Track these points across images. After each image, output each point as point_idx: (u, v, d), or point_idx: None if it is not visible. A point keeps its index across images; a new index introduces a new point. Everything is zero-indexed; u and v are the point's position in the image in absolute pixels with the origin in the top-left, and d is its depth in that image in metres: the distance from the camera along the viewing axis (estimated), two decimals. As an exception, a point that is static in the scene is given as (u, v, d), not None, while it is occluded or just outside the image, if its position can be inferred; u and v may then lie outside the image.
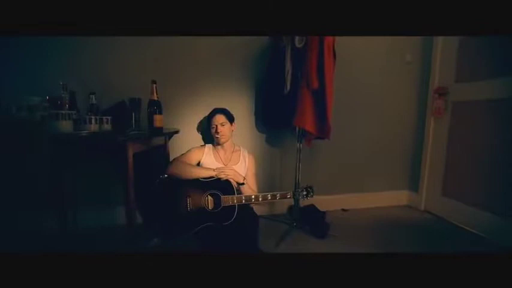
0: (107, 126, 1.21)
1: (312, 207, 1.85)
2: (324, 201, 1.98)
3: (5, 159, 0.81)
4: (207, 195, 1.39)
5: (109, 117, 1.23)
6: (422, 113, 2.11)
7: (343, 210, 2.10)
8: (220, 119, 1.53)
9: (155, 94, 1.46)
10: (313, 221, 1.72)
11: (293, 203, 1.82)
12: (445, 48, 1.91)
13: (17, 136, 0.79)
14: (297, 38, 1.48)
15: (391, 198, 2.22)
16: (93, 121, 1.12)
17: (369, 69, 2.04)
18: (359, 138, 2.10)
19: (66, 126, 0.98)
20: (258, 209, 1.91)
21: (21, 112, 0.96)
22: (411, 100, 2.14)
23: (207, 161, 1.53)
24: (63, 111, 1.03)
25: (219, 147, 1.58)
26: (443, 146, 1.93)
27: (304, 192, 1.49)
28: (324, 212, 1.80)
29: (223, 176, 1.41)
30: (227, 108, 1.58)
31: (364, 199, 2.16)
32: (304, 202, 1.82)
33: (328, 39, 1.42)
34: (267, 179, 1.94)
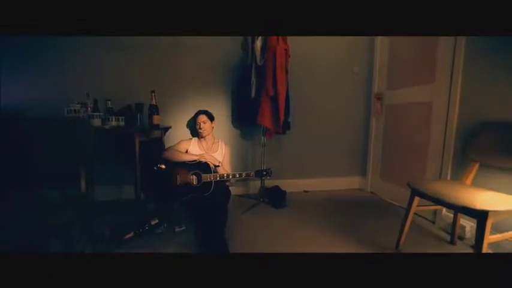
0: (121, 123, 1.73)
1: (275, 187, 2.35)
2: (289, 184, 2.49)
3: (55, 145, 1.29)
4: (191, 174, 1.90)
5: (123, 117, 1.75)
6: (367, 113, 2.62)
7: (305, 191, 2.61)
8: (202, 118, 2.05)
9: (154, 100, 1.98)
10: (274, 196, 2.23)
11: (260, 185, 2.34)
12: (380, 61, 2.42)
13: (67, 129, 1.28)
14: (258, 58, 2.00)
15: (345, 183, 2.72)
16: (113, 119, 1.65)
17: (324, 78, 2.54)
18: (318, 134, 2.60)
19: (97, 122, 1.51)
20: (236, 189, 2.44)
21: (69, 113, 1.49)
22: (358, 103, 2.64)
23: (193, 150, 2.05)
24: (96, 113, 1.55)
25: (202, 139, 2.10)
26: (381, 140, 2.44)
27: (264, 173, 2.01)
28: (284, 191, 2.30)
29: (203, 160, 1.93)
30: (208, 110, 2.10)
31: (323, 183, 2.67)
32: (269, 183, 2.35)
33: (281, 60, 1.94)
34: (241, 165, 2.46)
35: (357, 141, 2.70)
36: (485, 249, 1.03)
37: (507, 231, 1.19)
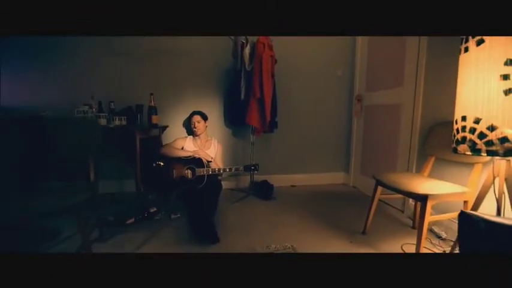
0: (124, 122, 1.95)
1: (264, 182, 2.57)
2: (277, 179, 2.70)
3: (66, 141, 1.50)
4: (186, 168, 2.11)
5: (125, 117, 1.97)
6: (350, 114, 2.84)
7: (292, 186, 2.83)
8: (196, 118, 2.26)
9: (152, 102, 2.19)
10: (263, 189, 2.45)
11: (250, 179, 2.55)
12: (361, 64, 2.63)
13: (77, 127, 1.49)
14: (247, 64, 2.21)
15: (330, 178, 2.94)
16: (116, 119, 1.87)
17: (310, 81, 2.76)
18: (304, 133, 2.82)
19: (103, 122, 1.73)
20: (227, 184, 2.65)
21: (79, 114, 1.71)
22: (342, 104, 2.86)
23: (188, 147, 2.26)
24: (101, 114, 1.78)
25: (196, 137, 2.31)
26: (361, 138, 2.66)
27: (252, 167, 2.23)
28: (272, 185, 2.51)
29: (197, 156, 2.14)
30: (202, 110, 2.32)
31: (309, 178, 2.88)
32: (259, 178, 2.57)
33: (267, 66, 2.15)
34: (232, 160, 2.67)
35: (341, 139, 2.91)
36: (425, 226, 1.25)
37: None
